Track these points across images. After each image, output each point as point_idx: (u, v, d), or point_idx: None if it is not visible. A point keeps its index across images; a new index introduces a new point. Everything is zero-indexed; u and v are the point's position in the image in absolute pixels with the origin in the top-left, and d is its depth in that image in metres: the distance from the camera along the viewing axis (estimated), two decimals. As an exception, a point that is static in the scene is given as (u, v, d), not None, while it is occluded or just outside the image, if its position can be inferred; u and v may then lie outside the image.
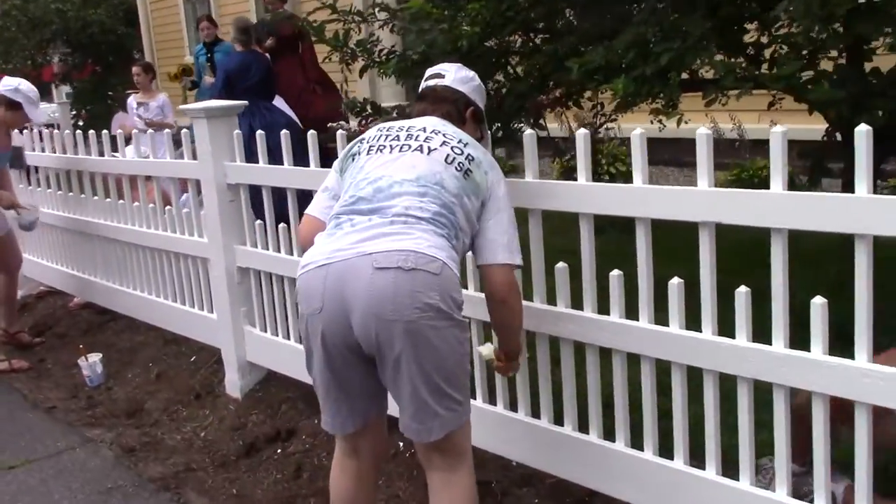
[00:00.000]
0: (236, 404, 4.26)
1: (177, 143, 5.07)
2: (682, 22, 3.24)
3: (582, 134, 2.63)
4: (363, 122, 4.46)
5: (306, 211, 2.62)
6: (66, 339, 5.76)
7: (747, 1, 3.55)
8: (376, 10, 4.37)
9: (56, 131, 5.93)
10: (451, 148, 2.41)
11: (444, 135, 2.44)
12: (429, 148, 2.40)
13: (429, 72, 2.71)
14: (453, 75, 2.65)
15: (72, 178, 5.65)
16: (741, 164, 6.48)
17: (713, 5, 3.33)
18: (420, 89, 2.70)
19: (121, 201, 5.13)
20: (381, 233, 2.26)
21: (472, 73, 2.70)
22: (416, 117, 2.60)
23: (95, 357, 4.96)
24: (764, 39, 3.60)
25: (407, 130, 2.47)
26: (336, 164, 2.62)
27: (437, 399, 2.26)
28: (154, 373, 4.84)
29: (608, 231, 4.44)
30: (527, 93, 3.78)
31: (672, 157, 7.64)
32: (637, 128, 2.50)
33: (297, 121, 7.55)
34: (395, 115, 4.30)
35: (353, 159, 2.51)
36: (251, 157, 4.01)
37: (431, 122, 2.52)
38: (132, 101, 8.51)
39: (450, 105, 2.59)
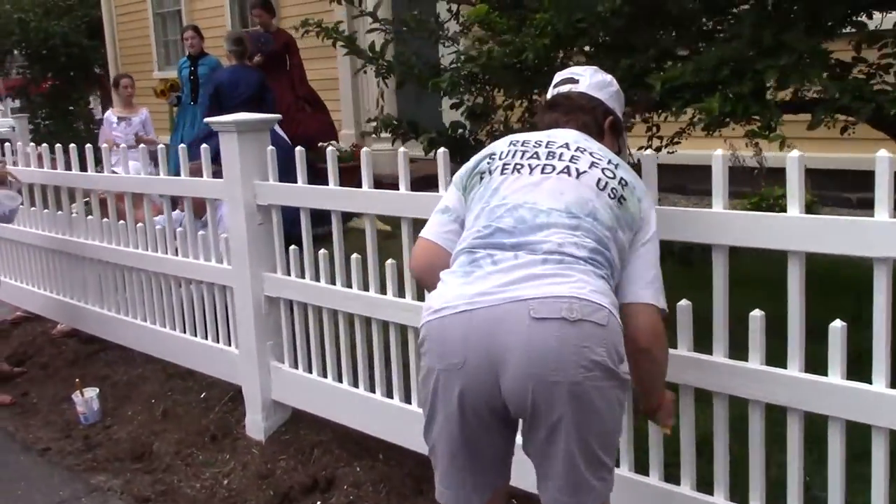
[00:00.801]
0: (260, 448, 3.86)
1: (153, 159, 4.72)
2: (784, 37, 2.97)
3: (795, 157, 2.23)
4: (395, 141, 4.11)
5: (422, 234, 2.23)
6: (51, 369, 5.29)
7: (848, 16, 3.31)
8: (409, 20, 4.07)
9: (29, 146, 5.51)
10: (602, 170, 2.07)
11: (590, 153, 2.10)
12: (577, 170, 2.05)
13: (559, 76, 2.37)
14: (588, 80, 2.31)
15: (50, 196, 5.21)
16: (762, 191, 6.28)
17: (815, 20, 3.08)
18: (550, 96, 2.36)
19: (121, 222, 4.71)
20: (533, 274, 1.91)
21: (609, 77, 2.36)
22: (546, 128, 2.25)
23: (92, 392, 4.51)
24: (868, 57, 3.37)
25: (546, 146, 2.12)
26: (457, 180, 2.24)
27: (593, 469, 1.91)
28: (159, 410, 4.41)
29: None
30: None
31: (674, 185, 7.44)
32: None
33: (287, 139, 7.20)
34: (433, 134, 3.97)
35: (482, 178, 2.14)
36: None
37: (572, 136, 2.17)
38: (111, 115, 8.05)
39: (586, 115, 2.24)
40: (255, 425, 3.91)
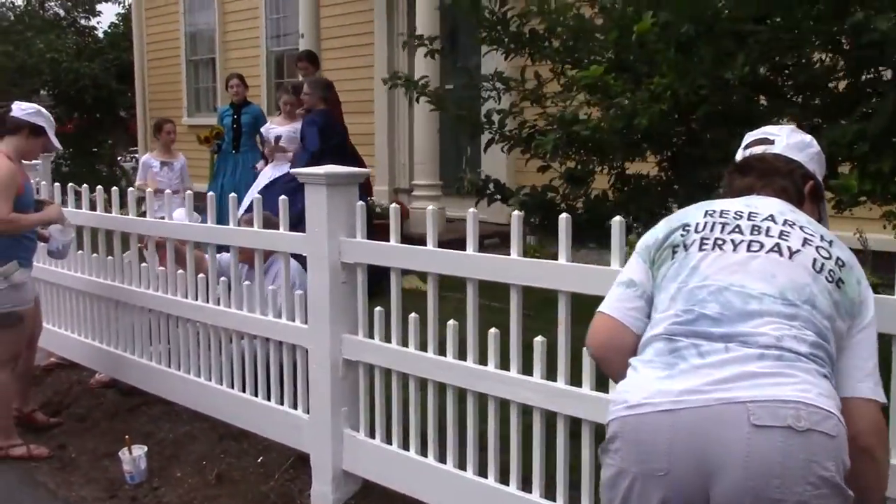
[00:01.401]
0: (328, 521, 3.61)
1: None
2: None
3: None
4: (479, 202, 3.94)
5: (603, 309, 1.98)
6: (89, 422, 5.03)
7: None
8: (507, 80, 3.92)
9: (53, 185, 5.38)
10: (817, 248, 1.85)
11: (800, 227, 1.89)
12: (789, 248, 1.83)
13: (750, 137, 2.16)
14: (785, 140, 2.10)
15: (101, 240, 5.02)
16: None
17: None
18: (740, 158, 2.17)
19: (180, 271, 4.51)
20: (750, 372, 1.68)
21: (808, 137, 2.14)
22: (738, 195, 2.04)
23: (140, 451, 4.26)
24: None
25: (749, 219, 1.90)
26: (642, 251, 2.00)
27: None
28: (212, 474, 4.15)
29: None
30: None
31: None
32: None
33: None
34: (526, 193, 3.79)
35: (675, 252, 1.92)
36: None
37: (776, 206, 1.95)
38: (152, 160, 7.89)
39: (784, 179, 2.03)
40: (323, 497, 3.66)
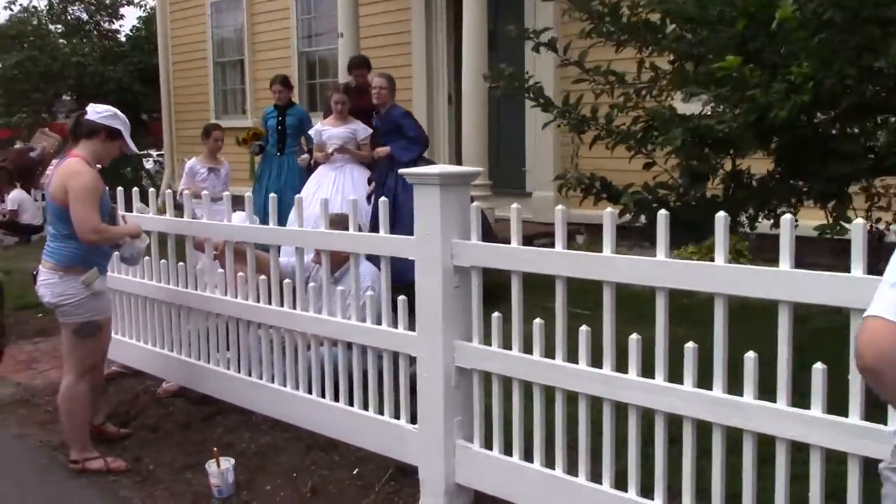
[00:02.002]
0: (441, 537, 3.45)
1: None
2: None
3: None
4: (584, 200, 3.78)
5: (879, 313, 1.60)
6: (161, 433, 4.87)
7: None
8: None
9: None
10: None
11: None
12: None
13: None
14: None
15: (170, 246, 4.87)
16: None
17: None
18: None
19: (262, 277, 4.35)
20: None
21: None
22: None
23: (227, 463, 4.09)
24: None
25: None
26: None
27: None
28: (307, 486, 3.99)
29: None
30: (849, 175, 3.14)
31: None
32: None
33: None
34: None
35: None
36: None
37: None
38: (198, 166, 7.73)
39: None
40: (434, 511, 3.50)
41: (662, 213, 2.75)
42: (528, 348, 3.19)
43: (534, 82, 3.84)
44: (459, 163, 8.88)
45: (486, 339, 3.37)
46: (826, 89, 2.99)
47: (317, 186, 7.13)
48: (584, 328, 3.03)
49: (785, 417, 2.51)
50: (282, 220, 5.90)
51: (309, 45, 12.19)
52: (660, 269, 2.76)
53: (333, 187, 7.03)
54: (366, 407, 3.85)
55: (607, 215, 2.90)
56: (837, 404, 2.46)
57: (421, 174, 3.37)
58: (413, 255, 3.49)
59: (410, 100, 10.29)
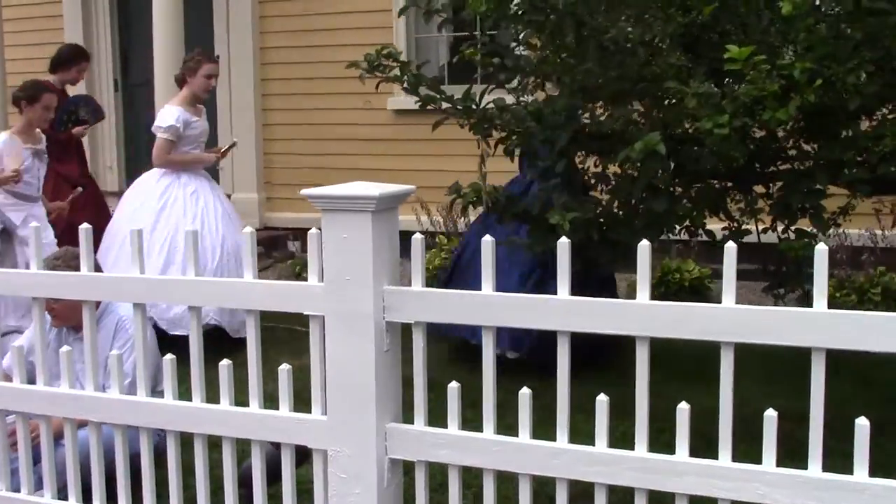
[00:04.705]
0: None
1: None
2: None
3: None
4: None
5: None
6: None
7: None
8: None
9: None
10: None
11: None
12: None
13: None
14: None
15: None
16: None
17: None
18: None
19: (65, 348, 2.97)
20: None
21: None
22: None
23: None
24: None
25: None
26: None
27: None
28: None
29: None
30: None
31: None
32: None
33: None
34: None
35: None
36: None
37: None
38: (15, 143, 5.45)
39: None
40: None
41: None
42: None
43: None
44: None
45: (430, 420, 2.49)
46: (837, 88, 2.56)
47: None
48: (601, 398, 2.29)
49: None
50: None
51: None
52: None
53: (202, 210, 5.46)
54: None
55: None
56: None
57: (345, 196, 2.38)
58: (320, 311, 2.48)
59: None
